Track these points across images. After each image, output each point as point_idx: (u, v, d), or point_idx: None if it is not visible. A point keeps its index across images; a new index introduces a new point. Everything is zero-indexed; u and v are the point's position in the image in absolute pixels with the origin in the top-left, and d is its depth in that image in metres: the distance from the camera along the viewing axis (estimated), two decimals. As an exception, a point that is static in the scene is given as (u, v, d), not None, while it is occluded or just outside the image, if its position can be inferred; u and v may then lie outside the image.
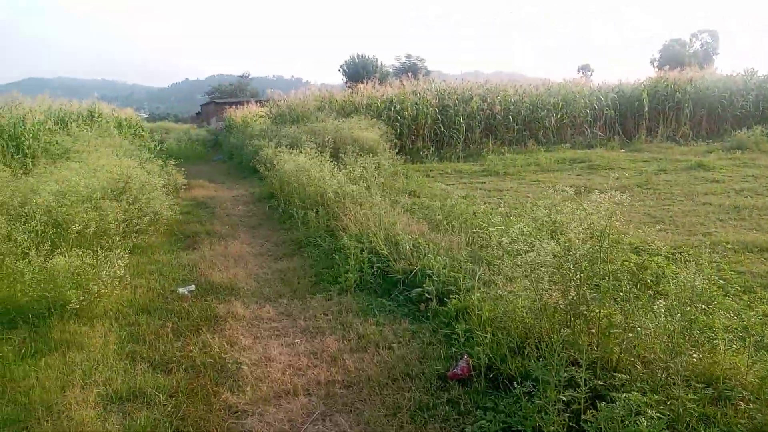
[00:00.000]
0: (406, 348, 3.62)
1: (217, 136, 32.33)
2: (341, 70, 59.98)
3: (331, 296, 4.79)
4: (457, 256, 4.86)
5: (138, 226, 6.82)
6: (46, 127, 15.44)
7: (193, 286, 5.25)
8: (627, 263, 2.67)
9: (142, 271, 5.69)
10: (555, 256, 2.87)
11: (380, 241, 5.38)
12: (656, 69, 34.65)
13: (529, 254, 2.96)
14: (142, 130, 26.80)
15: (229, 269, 5.77)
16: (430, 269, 4.60)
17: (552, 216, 3.61)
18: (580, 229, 2.88)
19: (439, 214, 6.94)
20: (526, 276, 3.05)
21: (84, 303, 4.24)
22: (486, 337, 3.18)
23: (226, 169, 18.72)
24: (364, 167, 10.75)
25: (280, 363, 3.58)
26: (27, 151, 13.74)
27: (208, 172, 17.57)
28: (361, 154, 12.90)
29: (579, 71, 21.37)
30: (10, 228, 4.74)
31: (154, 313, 4.52)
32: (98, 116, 21.80)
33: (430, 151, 17.51)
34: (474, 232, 5.72)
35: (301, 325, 4.24)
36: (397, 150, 15.82)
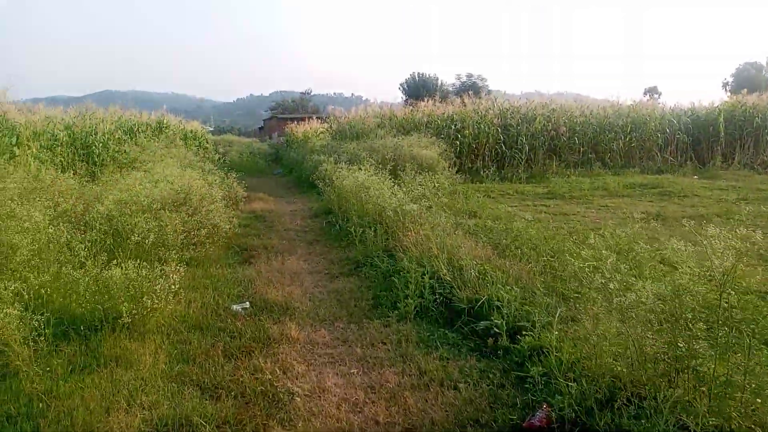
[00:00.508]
0: (474, 389, 3.25)
1: (278, 150, 32.96)
2: (401, 88, 60.35)
3: (389, 323, 4.48)
4: (529, 287, 4.46)
5: (196, 239, 6.78)
6: (116, 137, 16.04)
7: (248, 303, 5.07)
8: (758, 311, 2.22)
9: (197, 285, 5.57)
10: (660, 299, 2.46)
11: (442, 266, 5.04)
12: (729, 93, 32.75)
13: (628, 294, 2.56)
14: (207, 143, 27.61)
15: (285, 287, 5.57)
16: (498, 300, 4.22)
17: (656, 252, 3.18)
18: (695, 269, 2.45)
19: (505, 238, 6.55)
20: (622, 320, 2.64)
21: (137, 317, 4.13)
22: (570, 386, 2.78)
23: (285, 183, 18.90)
24: (422, 185, 10.47)
25: (334, 396, 3.30)
26: (96, 159, 14.28)
27: (268, 185, 17.75)
28: (419, 172, 12.65)
29: (646, 93, 20.51)
30: (70, 236, 4.71)
31: (206, 331, 4.35)
32: (166, 127, 22.59)
33: (491, 171, 17.04)
34: (547, 261, 5.30)
35: (358, 353, 3.95)
36: (456, 169, 15.46)
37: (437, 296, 4.73)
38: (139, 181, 7.82)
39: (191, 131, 26.14)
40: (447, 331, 4.24)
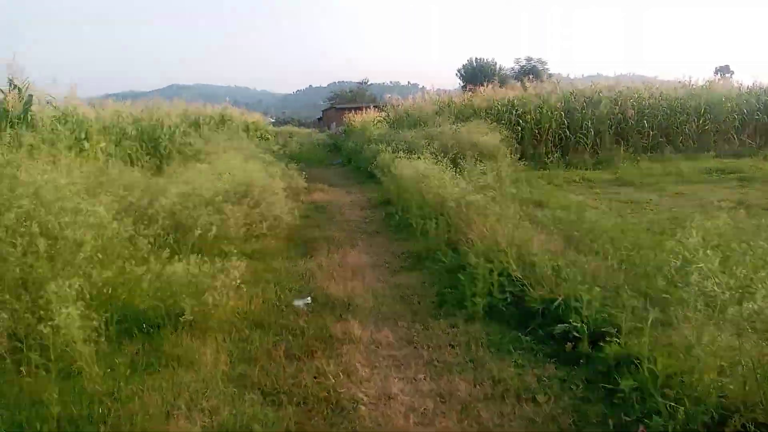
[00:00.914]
0: (555, 404, 2.95)
1: (337, 140, 33.10)
2: (458, 74, 59.41)
3: (456, 323, 4.22)
4: (610, 286, 4.08)
5: (258, 231, 6.74)
6: (181, 129, 16.46)
7: (309, 298, 4.95)
8: None
9: (259, 279, 5.50)
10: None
11: (512, 261, 4.72)
12: None
13: (748, 304, 2.20)
14: (268, 134, 28.10)
15: (346, 281, 5.41)
16: (576, 300, 3.88)
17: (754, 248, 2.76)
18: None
19: (576, 230, 6.12)
20: (738, 333, 2.28)
21: (198, 314, 4.07)
22: (673, 406, 2.44)
23: (344, 173, 18.87)
24: (483, 173, 10.07)
25: (401, 404, 3.08)
26: (163, 152, 14.69)
27: (328, 175, 17.77)
28: (480, 160, 12.22)
29: (716, 73, 18.90)
30: (133, 231, 4.71)
31: (268, 329, 4.25)
32: (229, 119, 23.09)
33: (555, 158, 16.31)
34: (625, 255, 4.87)
35: (425, 356, 3.72)
36: (518, 156, 14.89)
37: (507, 295, 4.42)
38: (203, 173, 7.88)
39: (253, 123, 26.68)
40: (520, 334, 3.94)
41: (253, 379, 3.40)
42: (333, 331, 4.12)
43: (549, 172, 14.71)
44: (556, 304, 4.03)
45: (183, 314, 3.95)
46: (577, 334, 3.59)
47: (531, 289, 4.31)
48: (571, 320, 3.72)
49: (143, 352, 3.78)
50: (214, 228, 5.78)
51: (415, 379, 3.41)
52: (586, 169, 15.26)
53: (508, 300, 4.39)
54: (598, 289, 3.90)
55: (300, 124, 69.41)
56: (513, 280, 4.57)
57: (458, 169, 10.10)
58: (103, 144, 12.01)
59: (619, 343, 3.27)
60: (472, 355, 3.64)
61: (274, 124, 60.46)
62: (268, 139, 26.74)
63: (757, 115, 18.85)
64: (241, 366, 3.60)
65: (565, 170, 15.11)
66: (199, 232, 5.70)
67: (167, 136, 15.03)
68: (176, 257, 4.52)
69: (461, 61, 63.14)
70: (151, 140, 14.95)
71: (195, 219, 5.81)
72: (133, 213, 5.62)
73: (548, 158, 15.96)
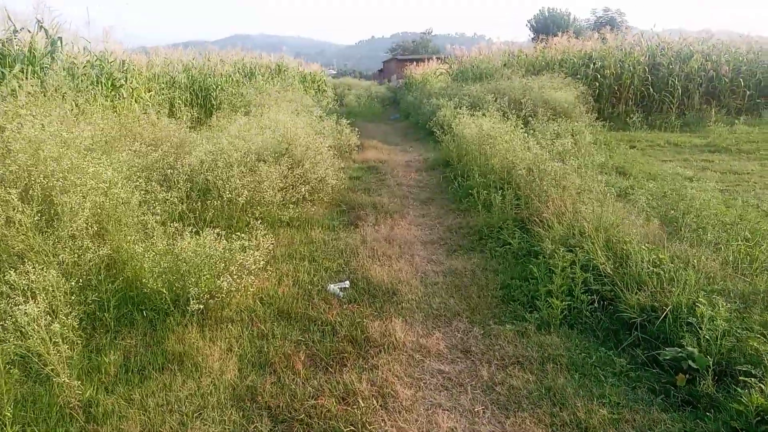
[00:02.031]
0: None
1: (396, 93, 31.78)
2: (528, 25, 56.18)
3: (526, 330, 3.33)
4: (733, 294, 3.06)
5: (299, 195, 6.00)
6: (234, 79, 15.87)
7: (347, 282, 4.18)
8: None
9: (293, 253, 4.78)
10: None
11: (599, 251, 3.74)
12: None
13: None
14: (325, 86, 27.21)
15: (392, 261, 4.59)
16: (691, 313, 2.90)
17: None
18: None
19: (674, 209, 5.01)
20: None
21: (210, 302, 3.38)
22: None
23: (402, 128, 17.83)
24: (557, 134, 8.92)
25: (451, 456, 2.28)
26: (214, 102, 14.18)
27: (384, 131, 16.85)
28: (553, 118, 10.96)
29: None
30: (146, 196, 4.04)
31: (294, 322, 3.52)
32: (285, 70, 22.36)
33: (636, 118, 14.63)
34: (747, 250, 3.79)
35: (484, 377, 2.88)
36: (595, 114, 13.42)
37: (594, 297, 3.48)
38: (244, 127, 7.18)
39: (310, 74, 25.82)
40: (611, 354, 3.01)
41: (264, 397, 2.68)
42: (370, 332, 3.33)
43: (630, 134, 13.21)
44: (658, 314, 3.07)
45: (195, 299, 3.27)
46: (693, 364, 2.64)
47: (625, 292, 3.34)
48: (683, 342, 2.76)
49: (141, 346, 3.13)
50: (245, 192, 5.08)
51: (471, 413, 2.59)
52: (672, 132, 13.60)
53: (595, 303, 3.44)
54: (722, 301, 2.90)
55: (361, 76, 68.16)
56: (601, 276, 3.61)
57: (529, 129, 9.00)
58: (151, 93, 11.58)
59: (764, 391, 2.31)
60: (549, 382, 2.76)
61: (335, 75, 59.55)
62: (324, 91, 25.87)
63: None
64: (253, 375, 2.88)
65: (647, 132, 13.52)
66: (229, 196, 5.01)
67: (218, 86, 14.49)
68: (192, 229, 3.83)
69: (532, 12, 59.67)
70: (201, 90, 14.48)
71: (224, 181, 5.12)
72: (155, 173, 4.98)
73: (629, 118, 14.31)
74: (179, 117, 7.88)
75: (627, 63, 16.13)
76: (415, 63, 32.68)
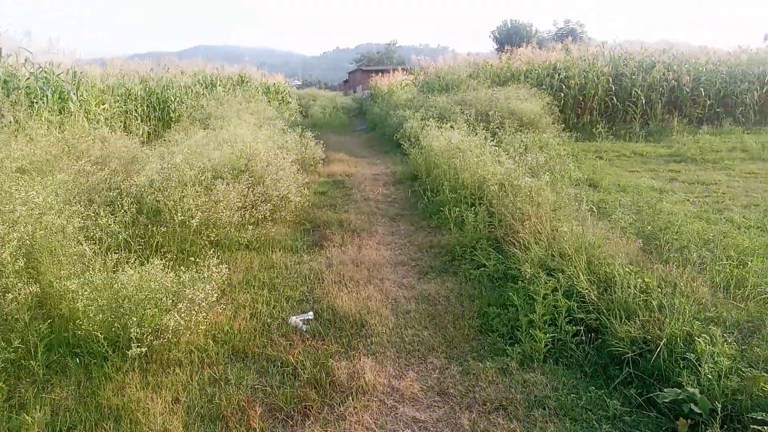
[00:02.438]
0: None
1: (362, 104, 31.55)
2: (492, 36, 56.84)
3: (508, 366, 3.02)
4: (731, 325, 2.83)
5: (260, 214, 5.61)
6: (194, 90, 15.34)
7: (311, 314, 3.81)
8: None
9: (251, 280, 4.38)
10: None
11: (582, 275, 3.49)
12: None
13: None
14: (289, 97, 26.76)
15: (360, 288, 4.25)
16: (690, 350, 2.65)
17: None
18: None
19: (650, 224, 4.83)
20: None
21: (155, 343, 2.98)
22: None
23: (368, 140, 17.55)
24: (525, 146, 8.81)
25: None
26: (172, 114, 13.63)
27: (350, 143, 16.53)
28: (520, 129, 10.85)
29: (766, 40, 16.81)
30: (85, 221, 3.60)
31: (251, 362, 3.13)
32: (248, 81, 21.87)
33: (601, 128, 14.71)
34: (733, 270, 3.59)
35: (465, 427, 2.55)
36: (562, 125, 13.43)
37: (578, 326, 3.20)
38: (201, 142, 6.75)
39: (273, 85, 25.35)
40: (602, 393, 2.73)
41: (211, 464, 2.30)
42: (336, 374, 2.97)
43: (596, 144, 13.24)
44: (651, 348, 2.81)
45: (138, 341, 2.86)
46: (695, 408, 2.38)
47: (613, 322, 3.08)
48: (682, 381, 2.50)
49: (73, 399, 2.71)
50: (199, 214, 4.67)
51: (451, 475, 2.26)
52: (637, 142, 13.71)
53: (581, 335, 3.17)
54: (719, 333, 2.66)
55: (326, 86, 67.88)
56: (585, 303, 3.34)
57: (498, 142, 8.83)
58: (104, 106, 11.01)
59: (780, 442, 2.05)
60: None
61: (300, 86, 59.04)
62: (289, 102, 25.44)
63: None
64: (201, 433, 2.50)
65: (613, 142, 13.60)
66: (181, 218, 4.60)
67: (177, 98, 13.95)
68: (137, 259, 3.41)
69: (495, 23, 60.55)
70: (160, 102, 13.91)
71: (176, 203, 4.70)
72: (99, 195, 4.53)
73: (595, 129, 14.37)
74: (135, 131, 7.38)
75: (591, 73, 16.27)
76: (380, 74, 32.56)
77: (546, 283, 3.36)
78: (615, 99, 16.11)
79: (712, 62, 17.02)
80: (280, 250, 5.18)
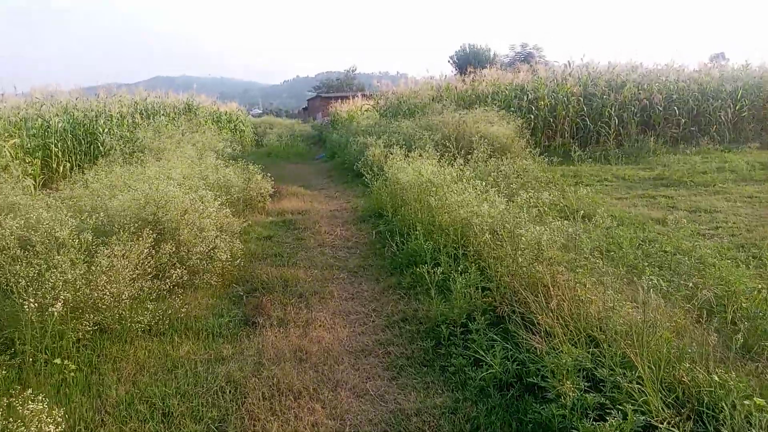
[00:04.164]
0: None
1: (322, 131, 30.17)
2: (451, 60, 56.90)
3: None
4: None
5: (170, 282, 4.10)
6: (129, 120, 13.70)
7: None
8: None
9: (133, 402, 2.86)
10: None
11: (652, 395, 2.13)
12: None
13: None
14: (243, 125, 25.19)
15: (301, 409, 2.78)
16: None
17: None
18: None
19: (699, 286, 3.54)
20: None
21: None
22: None
23: (327, 170, 16.14)
24: (506, 175, 7.66)
25: None
26: (101, 148, 11.96)
27: (307, 173, 15.12)
28: (492, 154, 9.69)
29: (711, 60, 16.92)
30: None
31: None
32: (195, 109, 20.31)
33: (576, 151, 13.73)
34: None
35: None
36: (536, 149, 12.35)
37: None
38: (99, 185, 5.22)
39: (226, 113, 23.80)
40: None
41: None
42: None
43: (573, 168, 12.20)
44: None
45: None
46: None
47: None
48: None
49: None
50: (61, 296, 3.14)
51: None
52: (615, 164, 12.73)
53: None
54: None
55: (287, 114, 66.64)
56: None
57: (474, 169, 7.59)
58: (13, 140, 9.33)
59: None
60: None
61: (259, 114, 57.52)
62: (243, 131, 23.90)
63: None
64: None
65: (591, 165, 12.59)
66: (34, 305, 3.06)
67: (106, 129, 12.28)
68: None
69: (453, 49, 60.90)
70: (87, 134, 12.23)
71: (30, 281, 3.17)
72: None
73: (574, 152, 13.35)
74: (52, 167, 5.78)
75: (560, 94, 15.41)
76: (340, 100, 31.41)
77: (581, 398, 1.97)
78: (587, 120, 15.24)
79: (682, 80, 16.44)
80: (192, 337, 3.67)
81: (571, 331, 2.67)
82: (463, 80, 17.91)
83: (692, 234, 5.55)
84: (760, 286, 3.48)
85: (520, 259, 3.48)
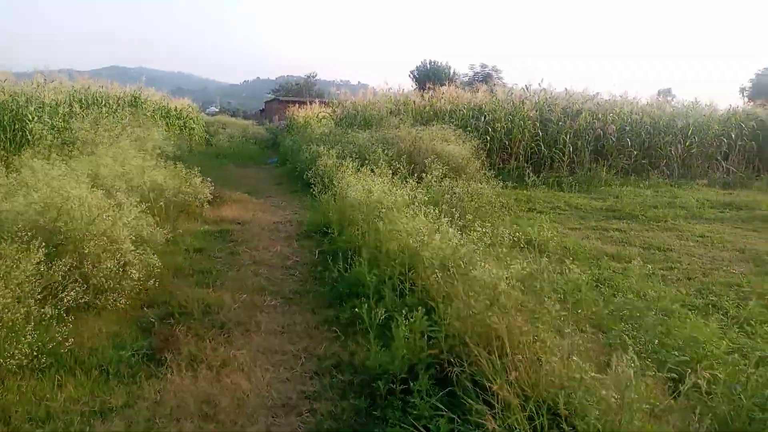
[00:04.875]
0: None
1: (277, 135, 29.25)
2: (411, 75, 57.07)
3: None
4: None
5: (62, 303, 3.44)
6: (64, 110, 12.65)
7: None
8: None
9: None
10: None
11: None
12: (746, 99, 29.83)
13: None
14: (194, 122, 24.12)
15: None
16: None
17: None
18: None
19: (668, 348, 3.21)
20: None
21: None
22: None
23: (277, 176, 15.46)
24: (461, 197, 7.35)
25: None
26: (30, 136, 10.93)
27: (256, 178, 14.43)
28: (447, 174, 9.34)
29: (659, 95, 17.57)
30: None
31: None
32: (143, 103, 19.21)
33: (529, 176, 13.61)
34: None
35: None
36: (492, 171, 12.12)
37: None
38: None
39: (175, 109, 22.69)
40: None
41: None
42: None
43: (527, 193, 12.04)
44: None
45: None
46: None
47: None
48: None
49: None
50: None
51: None
52: (569, 191, 12.66)
53: None
54: None
55: (244, 115, 65.09)
56: None
57: (426, 188, 7.24)
58: None
59: None
60: None
61: (216, 113, 55.82)
62: (192, 128, 22.86)
63: (743, 140, 17.08)
64: None
65: (544, 191, 12.46)
66: None
67: (36, 117, 11.24)
68: None
69: (414, 63, 61.27)
70: (14, 120, 11.16)
71: None
72: None
73: (528, 177, 13.23)
74: None
75: (517, 117, 15.33)
76: (298, 105, 30.65)
77: None
78: (542, 145, 15.21)
79: (635, 112, 16.71)
80: (82, 375, 3.02)
81: (530, 402, 2.23)
82: (422, 96, 17.64)
83: (648, 275, 5.30)
84: (732, 350, 3.17)
85: (473, 302, 3.04)
